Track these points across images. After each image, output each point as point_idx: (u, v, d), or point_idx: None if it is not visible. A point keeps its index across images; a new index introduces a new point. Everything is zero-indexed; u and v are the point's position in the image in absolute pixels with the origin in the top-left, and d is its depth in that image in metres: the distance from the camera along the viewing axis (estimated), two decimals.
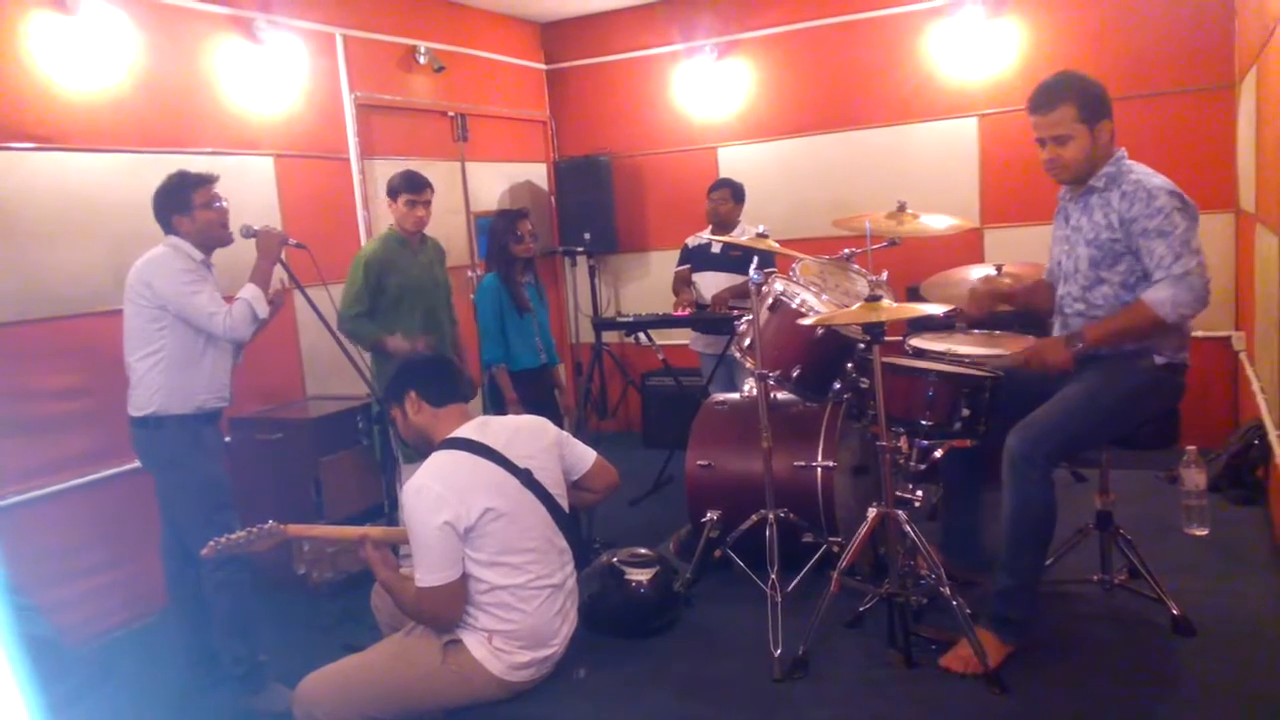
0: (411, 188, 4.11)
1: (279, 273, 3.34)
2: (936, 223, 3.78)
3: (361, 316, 4.02)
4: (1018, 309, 3.30)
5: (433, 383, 2.70)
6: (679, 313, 5.08)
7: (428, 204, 4.17)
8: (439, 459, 2.56)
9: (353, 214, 5.18)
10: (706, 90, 6.33)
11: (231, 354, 3.31)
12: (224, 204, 3.24)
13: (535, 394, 4.43)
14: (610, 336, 6.02)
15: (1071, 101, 2.80)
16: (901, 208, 3.80)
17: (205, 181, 3.20)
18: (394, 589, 2.58)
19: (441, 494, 2.45)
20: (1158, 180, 2.78)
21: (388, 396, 2.75)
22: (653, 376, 6.35)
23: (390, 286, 4.07)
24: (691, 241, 5.31)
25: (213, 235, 3.21)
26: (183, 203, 3.16)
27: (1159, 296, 2.69)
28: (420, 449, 2.71)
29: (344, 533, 2.73)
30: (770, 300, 3.36)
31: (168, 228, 3.19)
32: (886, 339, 2.85)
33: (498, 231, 4.36)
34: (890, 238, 3.84)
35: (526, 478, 2.60)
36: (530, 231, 4.38)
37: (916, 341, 3.44)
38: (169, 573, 3.37)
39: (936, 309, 3.05)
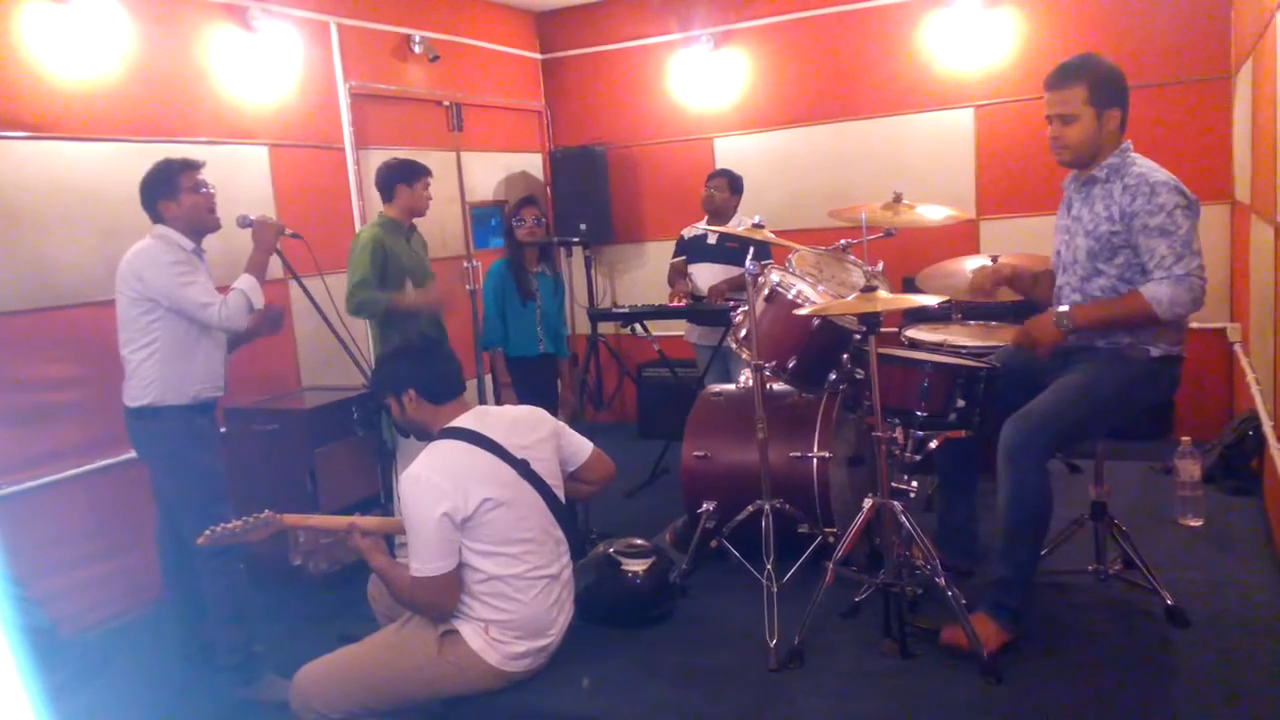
0: (425, 170, 4.23)
1: (275, 261, 3.33)
2: (932, 214, 3.78)
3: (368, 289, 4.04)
4: (1021, 294, 3.28)
5: (435, 381, 2.66)
6: (675, 304, 5.08)
7: (428, 185, 4.28)
8: (437, 448, 2.55)
9: (348, 204, 5.16)
10: (703, 80, 6.31)
11: (225, 344, 3.30)
12: (210, 189, 3.23)
13: (532, 382, 4.44)
14: (606, 327, 6.02)
15: (1084, 82, 2.80)
16: (897, 199, 3.81)
17: (191, 166, 3.20)
18: (388, 576, 2.58)
19: (439, 484, 2.44)
20: (1161, 175, 2.76)
21: (383, 386, 2.71)
22: (648, 368, 6.35)
23: (388, 271, 4.09)
24: (687, 233, 5.30)
25: (201, 221, 3.20)
26: (170, 188, 3.15)
27: (1158, 294, 2.68)
28: (418, 436, 2.70)
29: (338, 522, 2.72)
30: (766, 291, 3.35)
31: (155, 215, 3.18)
32: (882, 330, 2.84)
33: (506, 216, 4.55)
34: (886, 229, 3.84)
35: (524, 468, 2.59)
36: (535, 217, 4.43)
37: (912, 332, 3.46)
38: (165, 563, 3.38)
39: (932, 300, 3.06)
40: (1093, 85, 2.79)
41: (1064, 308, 2.85)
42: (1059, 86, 2.84)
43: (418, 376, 2.65)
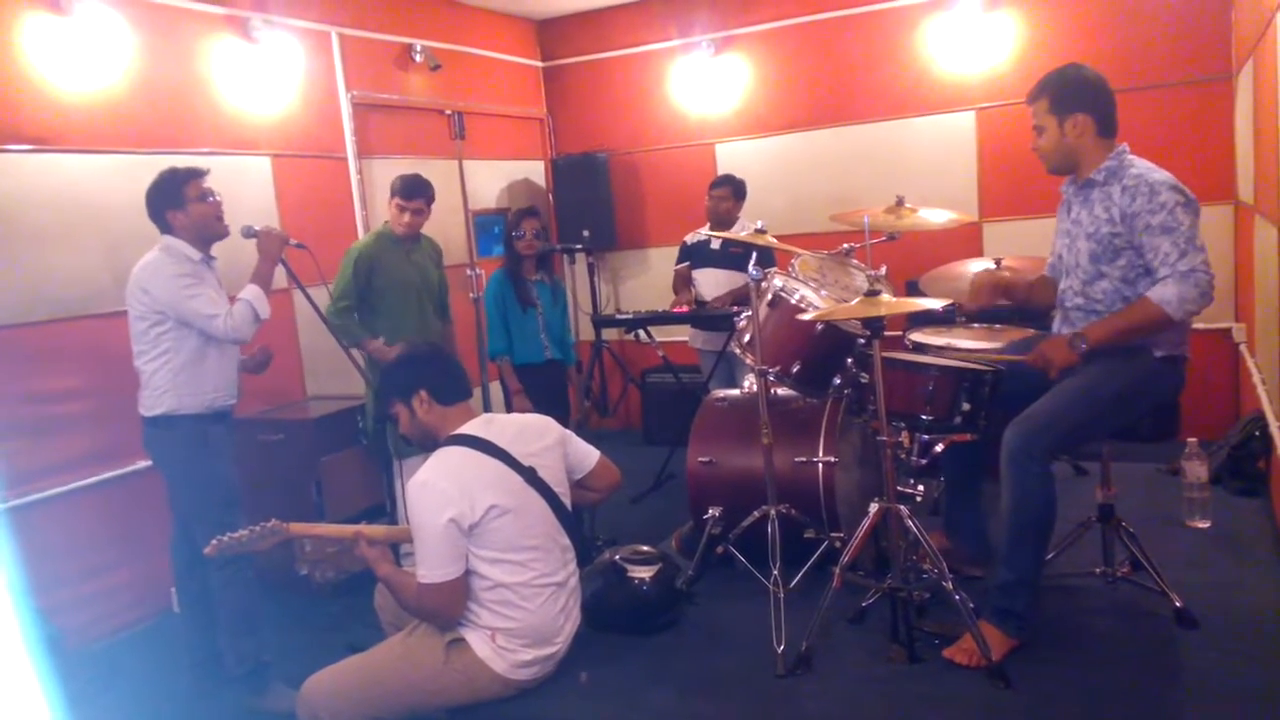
0: (402, 193, 4.16)
1: (280, 271, 3.34)
2: (935, 217, 3.78)
3: (348, 310, 4.07)
4: (1018, 304, 3.29)
5: (444, 381, 2.67)
6: (678, 309, 5.08)
7: (418, 211, 4.20)
8: (444, 455, 2.55)
9: (350, 213, 5.17)
10: (704, 86, 6.32)
11: (237, 353, 3.31)
12: (217, 197, 3.23)
13: (540, 389, 4.46)
14: (610, 334, 6.02)
15: (1046, 94, 2.92)
16: (900, 202, 3.81)
17: (196, 174, 3.20)
18: (394, 584, 2.58)
19: (446, 490, 2.44)
20: (1159, 175, 2.78)
21: (391, 393, 2.71)
22: (653, 374, 6.35)
23: (378, 282, 4.10)
24: (690, 238, 5.31)
25: (209, 229, 3.21)
26: (176, 197, 3.15)
27: (1165, 294, 2.68)
28: (424, 445, 2.70)
29: (344, 531, 2.72)
30: (769, 296, 3.35)
31: (163, 226, 3.19)
32: (886, 334, 2.85)
33: (507, 227, 4.57)
34: (889, 232, 3.84)
35: (530, 475, 2.59)
36: (535, 229, 4.45)
37: (916, 336, 3.45)
38: (178, 571, 3.37)
39: (935, 303, 3.05)
40: (1053, 96, 2.90)
41: (1078, 328, 2.87)
42: (1030, 100, 2.97)
43: (427, 377, 2.66)
